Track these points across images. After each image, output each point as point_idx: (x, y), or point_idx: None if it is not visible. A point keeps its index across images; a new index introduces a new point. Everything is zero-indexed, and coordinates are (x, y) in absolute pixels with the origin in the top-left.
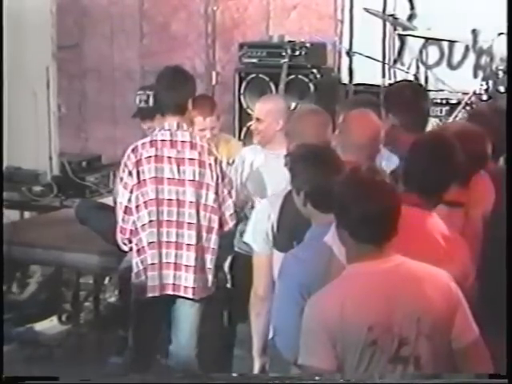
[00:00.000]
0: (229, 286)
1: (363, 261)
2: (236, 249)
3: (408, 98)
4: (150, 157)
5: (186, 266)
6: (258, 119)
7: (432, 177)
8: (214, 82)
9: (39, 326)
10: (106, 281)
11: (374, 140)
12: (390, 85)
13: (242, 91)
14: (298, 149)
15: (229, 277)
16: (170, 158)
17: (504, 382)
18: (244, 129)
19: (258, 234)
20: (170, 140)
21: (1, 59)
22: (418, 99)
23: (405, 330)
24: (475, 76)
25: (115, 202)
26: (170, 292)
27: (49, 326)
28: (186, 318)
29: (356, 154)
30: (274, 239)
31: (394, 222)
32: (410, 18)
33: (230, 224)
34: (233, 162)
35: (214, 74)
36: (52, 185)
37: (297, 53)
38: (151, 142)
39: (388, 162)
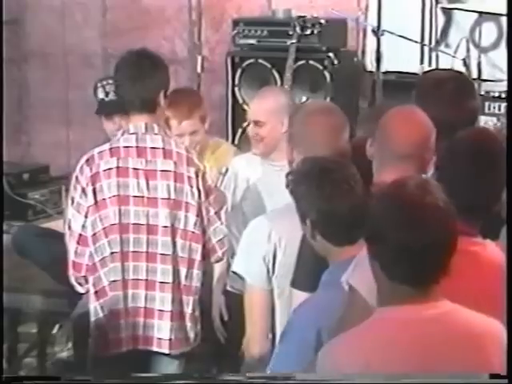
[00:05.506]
0: (219, 335)
1: (399, 304)
2: (228, 288)
3: (448, 94)
4: (111, 169)
5: (160, 311)
6: (256, 122)
7: (478, 190)
8: (199, 69)
9: None
10: (55, 330)
11: (425, 147)
12: (424, 73)
13: (236, 81)
14: (300, 165)
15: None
16: (136, 170)
17: (504, 382)
18: (239, 130)
19: (252, 260)
20: (137, 146)
21: None
22: (463, 95)
23: None
24: None
25: (66, 229)
26: (140, 346)
27: None
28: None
29: (401, 168)
30: (274, 269)
31: (445, 260)
32: None
33: (219, 252)
34: (226, 170)
35: (199, 58)
36: None
37: (308, 31)
38: (111, 149)
39: None
